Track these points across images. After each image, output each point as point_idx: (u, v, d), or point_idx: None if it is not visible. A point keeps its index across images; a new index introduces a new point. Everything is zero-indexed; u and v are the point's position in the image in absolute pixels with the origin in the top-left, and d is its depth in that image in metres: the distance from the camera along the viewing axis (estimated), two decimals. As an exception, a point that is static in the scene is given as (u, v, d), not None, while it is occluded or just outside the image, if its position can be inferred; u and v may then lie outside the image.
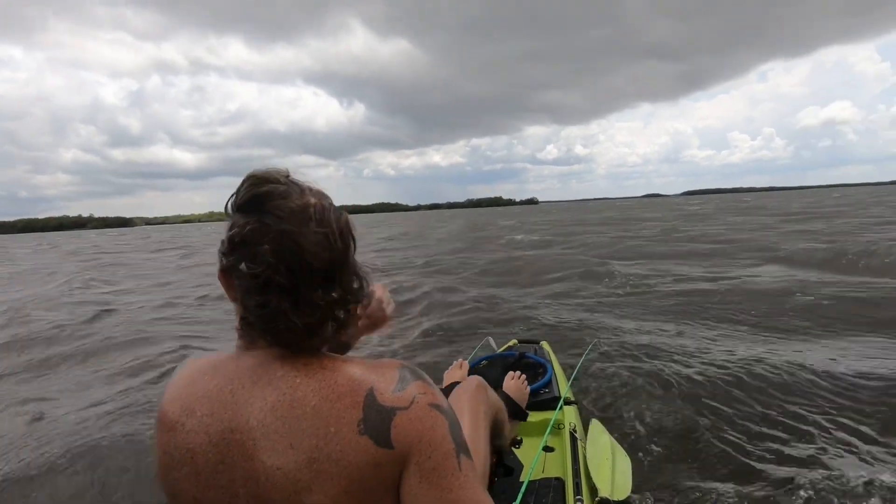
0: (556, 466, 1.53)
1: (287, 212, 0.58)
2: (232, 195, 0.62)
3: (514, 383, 1.58)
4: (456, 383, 1.30)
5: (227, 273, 0.62)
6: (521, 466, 1.50)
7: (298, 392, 0.58)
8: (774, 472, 2.08)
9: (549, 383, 1.91)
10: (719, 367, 3.22)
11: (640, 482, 1.99)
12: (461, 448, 0.60)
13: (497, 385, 1.64)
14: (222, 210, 0.63)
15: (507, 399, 1.43)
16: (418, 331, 4.54)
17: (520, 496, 1.09)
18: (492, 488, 1.31)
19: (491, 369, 1.99)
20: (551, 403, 1.79)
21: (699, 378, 3.07)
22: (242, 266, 0.58)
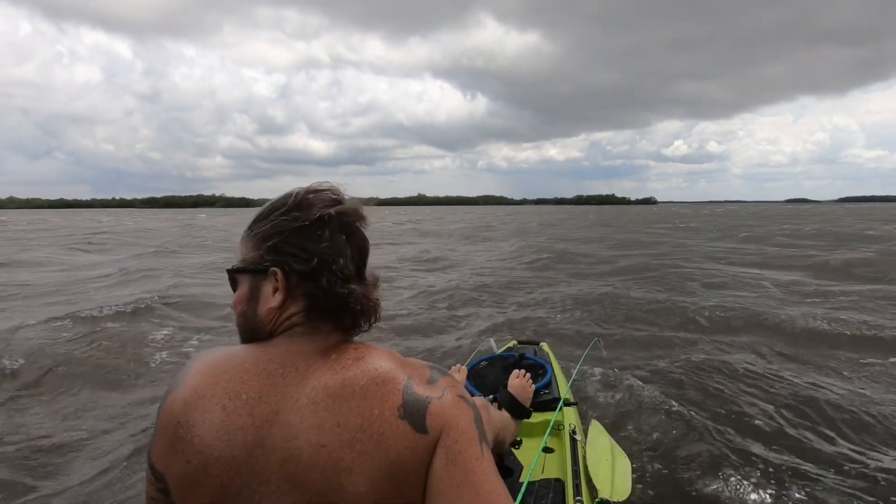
0: (555, 467, 1.53)
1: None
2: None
3: (519, 382, 1.54)
4: None
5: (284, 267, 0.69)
6: (520, 467, 1.48)
7: (349, 372, 0.62)
8: (774, 474, 2.04)
9: (548, 384, 1.89)
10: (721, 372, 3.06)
11: (640, 483, 1.98)
12: (483, 437, 0.64)
13: (497, 385, 1.64)
14: None
15: (512, 399, 1.39)
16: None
17: (519, 497, 1.08)
18: None
19: (490, 370, 1.99)
20: (551, 404, 1.77)
21: (701, 380, 3.00)
22: (317, 248, 0.66)
